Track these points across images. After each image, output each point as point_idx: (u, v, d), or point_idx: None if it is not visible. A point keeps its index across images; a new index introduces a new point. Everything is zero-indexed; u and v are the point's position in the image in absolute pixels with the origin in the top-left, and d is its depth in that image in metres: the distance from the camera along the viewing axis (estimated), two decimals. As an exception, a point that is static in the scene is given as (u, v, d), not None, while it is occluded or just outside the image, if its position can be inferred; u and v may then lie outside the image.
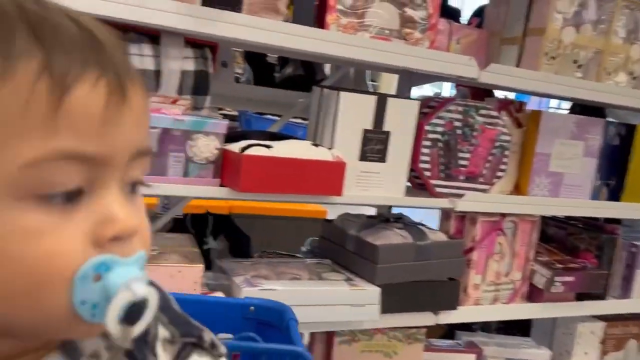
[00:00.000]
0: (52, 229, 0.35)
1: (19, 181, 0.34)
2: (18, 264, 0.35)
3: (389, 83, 3.27)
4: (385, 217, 1.39)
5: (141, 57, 1.09)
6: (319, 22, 1.18)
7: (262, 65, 2.90)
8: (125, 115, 0.38)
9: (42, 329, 0.38)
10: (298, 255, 1.51)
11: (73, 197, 0.36)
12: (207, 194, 1.11)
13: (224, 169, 1.10)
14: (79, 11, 0.39)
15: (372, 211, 1.52)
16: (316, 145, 1.17)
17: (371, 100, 1.23)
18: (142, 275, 0.38)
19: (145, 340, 0.44)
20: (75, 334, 0.39)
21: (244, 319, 0.90)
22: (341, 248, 1.34)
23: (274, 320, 0.91)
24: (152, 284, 0.40)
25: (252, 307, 0.89)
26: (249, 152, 1.07)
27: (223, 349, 0.49)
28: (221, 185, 1.10)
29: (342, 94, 1.20)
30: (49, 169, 0.35)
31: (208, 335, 0.48)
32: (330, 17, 1.16)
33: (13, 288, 0.35)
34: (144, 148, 0.41)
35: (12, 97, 0.34)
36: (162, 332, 0.46)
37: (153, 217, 1.42)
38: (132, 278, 0.37)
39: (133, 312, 0.37)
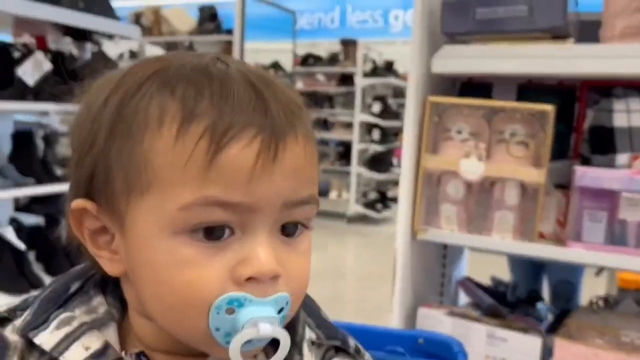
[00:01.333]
0: (199, 262, 0.42)
1: (177, 219, 0.42)
2: (169, 286, 0.43)
3: None
4: None
5: (628, 113, 1.06)
6: None
7: None
8: (274, 171, 0.42)
9: (190, 343, 0.45)
10: None
11: (221, 237, 0.42)
12: None
13: None
14: (260, 68, 0.47)
15: None
16: None
17: None
18: (272, 316, 0.42)
19: (294, 341, 0.48)
20: (214, 353, 0.45)
21: (413, 350, 0.89)
22: None
23: (443, 353, 0.90)
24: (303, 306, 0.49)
25: (421, 340, 0.88)
26: None
27: (368, 356, 0.53)
28: None
29: None
30: (201, 211, 0.42)
31: (353, 341, 0.52)
32: None
33: (164, 306, 0.43)
34: (302, 198, 0.45)
35: (181, 151, 0.41)
36: (309, 333, 0.50)
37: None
38: (260, 317, 0.41)
39: (255, 346, 0.43)
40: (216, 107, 0.42)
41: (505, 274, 1.93)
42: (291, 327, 0.48)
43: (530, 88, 1.45)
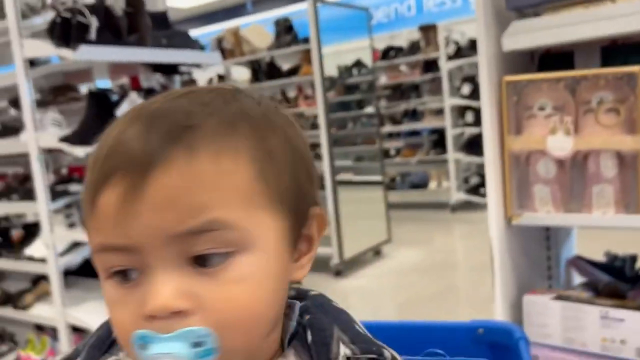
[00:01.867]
0: (119, 302, 0.45)
1: (96, 263, 0.46)
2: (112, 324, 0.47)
3: None
4: None
5: None
6: None
7: None
8: (141, 209, 0.42)
9: None
10: None
11: (131, 278, 0.44)
12: None
13: None
14: (138, 109, 0.46)
15: None
16: None
17: None
18: (178, 352, 0.42)
19: (329, 358, 0.48)
20: None
21: (474, 342, 0.88)
22: None
23: (504, 341, 0.88)
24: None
25: (480, 329, 0.88)
26: None
27: None
28: None
29: None
30: (104, 257, 0.45)
31: (389, 352, 0.51)
32: None
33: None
34: (192, 228, 0.42)
35: (84, 203, 0.46)
36: (344, 350, 0.49)
37: None
38: (162, 353, 0.42)
39: None
40: (98, 155, 0.44)
41: (620, 247, 1.80)
42: (325, 345, 0.49)
43: (615, 49, 1.35)
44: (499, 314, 1.34)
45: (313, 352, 0.48)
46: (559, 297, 1.33)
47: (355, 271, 4.50)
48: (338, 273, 4.40)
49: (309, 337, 0.49)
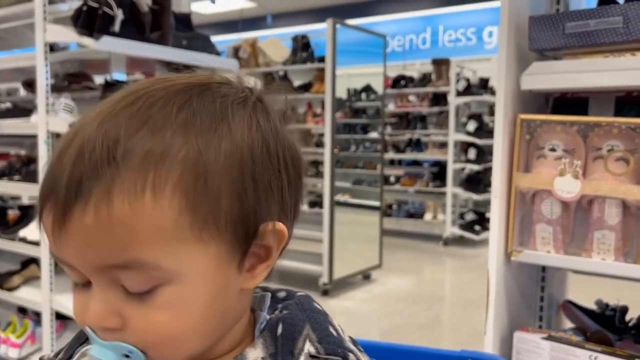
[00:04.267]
0: (75, 296, 0.48)
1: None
2: None
3: None
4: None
5: None
6: None
7: None
8: (67, 240, 0.44)
9: None
10: None
11: (87, 287, 0.47)
12: None
13: None
14: (82, 131, 0.45)
15: None
16: None
17: None
18: (102, 356, 0.46)
19: (292, 352, 0.49)
20: None
21: None
22: None
23: None
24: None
25: None
26: None
27: None
28: None
29: None
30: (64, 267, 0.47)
31: (354, 357, 0.51)
32: None
33: None
34: (113, 263, 0.43)
35: None
36: (309, 347, 0.50)
37: None
38: (96, 357, 0.46)
39: None
40: (47, 169, 0.46)
41: (612, 297, 1.81)
42: (292, 339, 0.50)
43: (629, 100, 1.38)
44: (490, 347, 1.35)
45: (279, 344, 0.50)
46: (550, 338, 1.34)
47: (343, 292, 4.49)
48: (325, 292, 4.38)
49: (279, 330, 0.51)
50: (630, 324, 1.61)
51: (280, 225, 0.49)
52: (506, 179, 1.35)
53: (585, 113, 1.42)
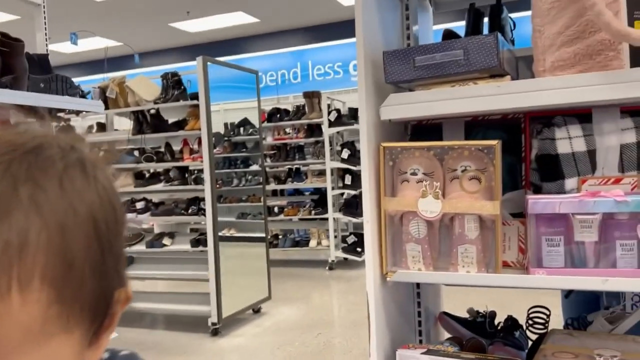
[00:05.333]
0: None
1: None
2: None
3: None
4: None
5: (570, 139, 1.07)
6: None
7: None
8: None
9: None
10: None
11: None
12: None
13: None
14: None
15: None
16: None
17: None
18: None
19: None
20: None
21: None
22: None
23: None
24: None
25: None
26: None
27: None
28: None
29: None
30: None
31: None
32: None
33: None
34: None
35: None
36: None
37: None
38: None
39: None
40: None
41: (482, 301, 1.96)
42: None
43: (477, 124, 1.52)
44: (374, 368, 1.40)
45: None
46: (429, 352, 1.41)
47: (233, 330, 4.40)
48: (215, 332, 4.27)
49: None
50: (499, 327, 1.75)
51: (129, 291, 0.47)
52: (375, 204, 1.43)
53: (440, 137, 1.54)
